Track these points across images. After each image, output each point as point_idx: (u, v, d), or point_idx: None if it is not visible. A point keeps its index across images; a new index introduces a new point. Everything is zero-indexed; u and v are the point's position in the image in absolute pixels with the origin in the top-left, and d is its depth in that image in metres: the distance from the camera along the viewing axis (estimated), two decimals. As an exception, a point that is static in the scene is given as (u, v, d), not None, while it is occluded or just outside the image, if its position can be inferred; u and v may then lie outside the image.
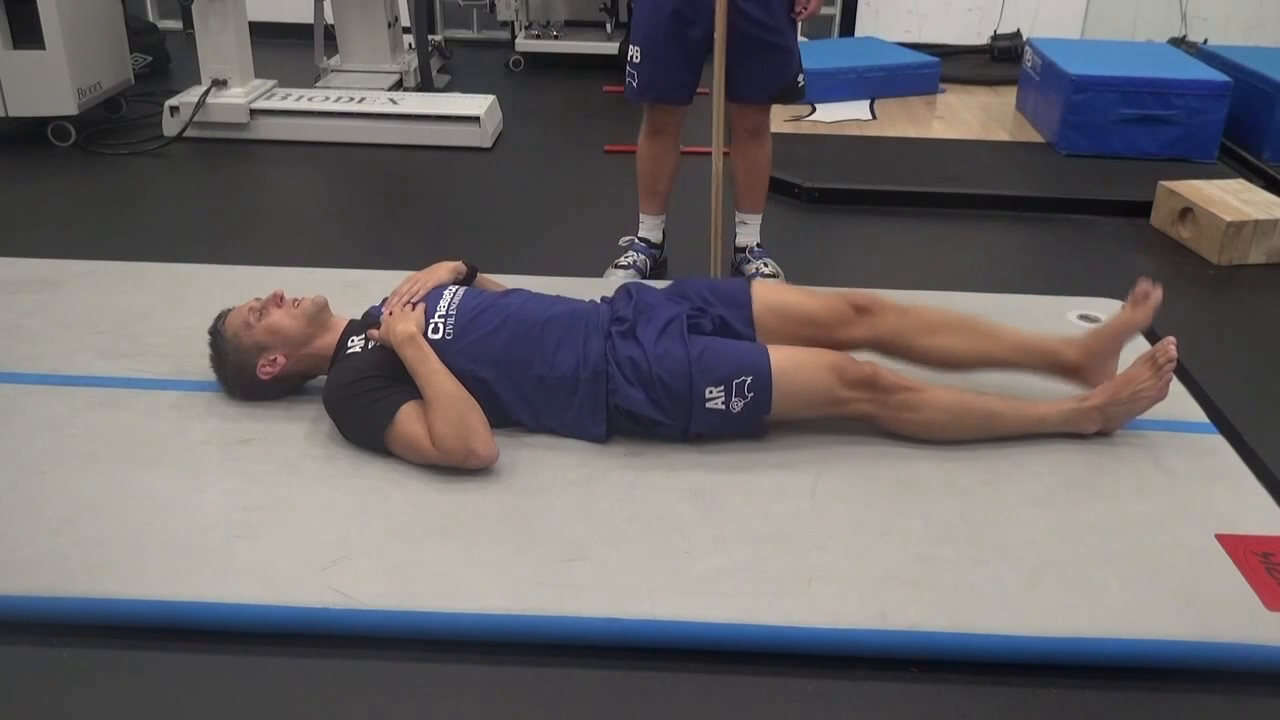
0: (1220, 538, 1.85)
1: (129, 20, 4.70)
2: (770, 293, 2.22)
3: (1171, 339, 2.12)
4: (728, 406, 2.01)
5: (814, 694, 1.60)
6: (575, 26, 5.88)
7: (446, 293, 2.16)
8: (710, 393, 2.01)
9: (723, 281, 2.33)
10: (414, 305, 2.12)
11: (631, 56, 2.83)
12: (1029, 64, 4.68)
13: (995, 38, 5.76)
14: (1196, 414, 2.27)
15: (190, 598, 1.67)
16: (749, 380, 2.00)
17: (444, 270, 2.26)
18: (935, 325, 2.21)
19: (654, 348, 2.03)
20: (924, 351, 2.20)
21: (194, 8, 4.13)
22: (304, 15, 5.10)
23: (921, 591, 1.71)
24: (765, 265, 3.02)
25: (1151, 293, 2.17)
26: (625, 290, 2.23)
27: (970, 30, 5.97)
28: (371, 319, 2.17)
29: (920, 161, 4.14)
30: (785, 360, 2.03)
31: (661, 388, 2.01)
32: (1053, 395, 2.19)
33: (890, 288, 2.86)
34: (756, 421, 2.06)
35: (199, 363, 2.20)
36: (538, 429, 2.10)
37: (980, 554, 1.81)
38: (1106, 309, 2.73)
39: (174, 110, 4.20)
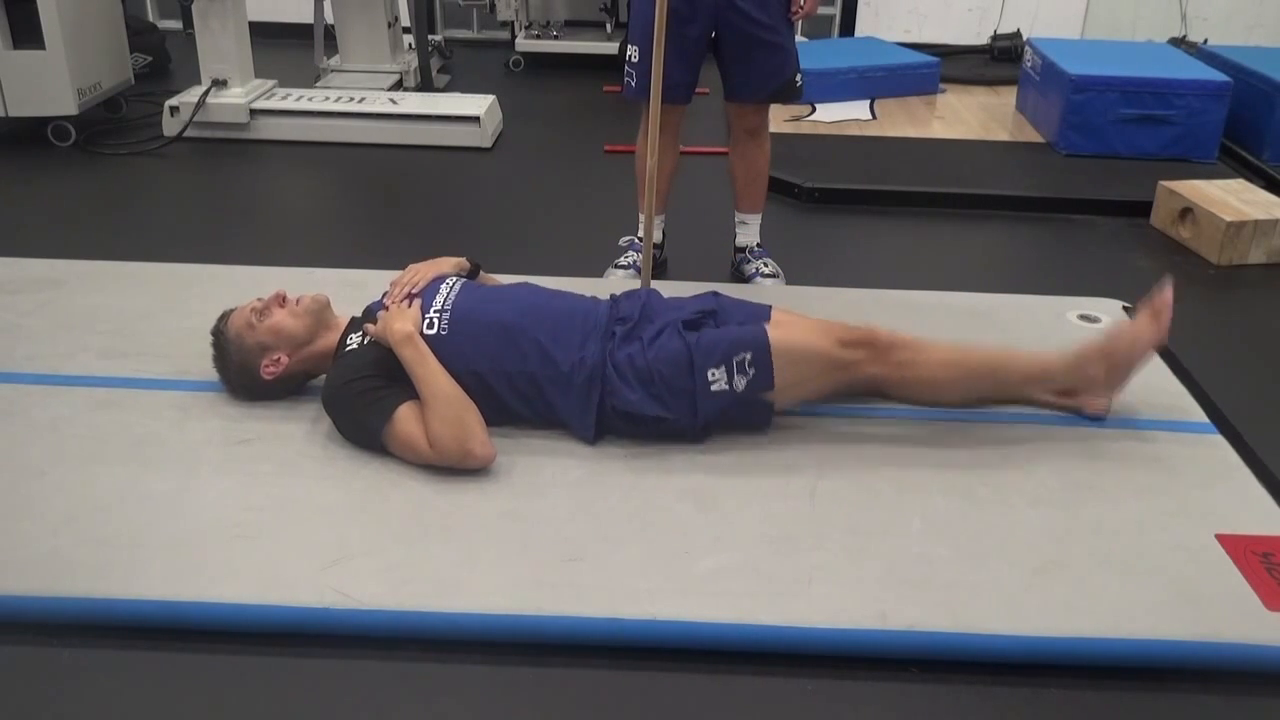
0: (1220, 538, 1.85)
1: (129, 20, 4.70)
2: (787, 316, 2.21)
3: (1168, 288, 2.10)
4: (731, 386, 2.00)
5: (814, 694, 1.60)
6: (575, 26, 5.88)
7: (443, 287, 2.16)
8: (712, 375, 2.00)
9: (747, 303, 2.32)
10: (411, 300, 2.12)
11: (630, 56, 2.83)
12: (1029, 64, 4.68)
13: (995, 38, 5.76)
14: (1196, 414, 2.27)
15: (190, 598, 1.67)
16: (748, 356, 1.99)
17: (447, 264, 2.27)
18: (934, 362, 2.21)
19: (651, 344, 2.04)
20: (925, 385, 2.19)
21: (194, 8, 4.13)
22: (304, 15, 5.10)
23: (921, 591, 1.71)
24: (765, 265, 3.02)
25: (1167, 307, 2.16)
26: (637, 293, 2.23)
27: (970, 30, 5.97)
28: (371, 315, 2.17)
29: (920, 161, 4.14)
30: (782, 331, 2.03)
31: (661, 381, 2.01)
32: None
33: (890, 288, 2.88)
34: (762, 404, 2.04)
35: (199, 363, 2.20)
36: (537, 421, 2.09)
37: (980, 554, 1.80)
38: (1106, 309, 2.73)
39: (174, 110, 4.20)
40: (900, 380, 2.06)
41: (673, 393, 2.02)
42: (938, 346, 2.08)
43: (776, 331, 2.03)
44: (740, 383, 2.00)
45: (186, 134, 4.20)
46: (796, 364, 2.02)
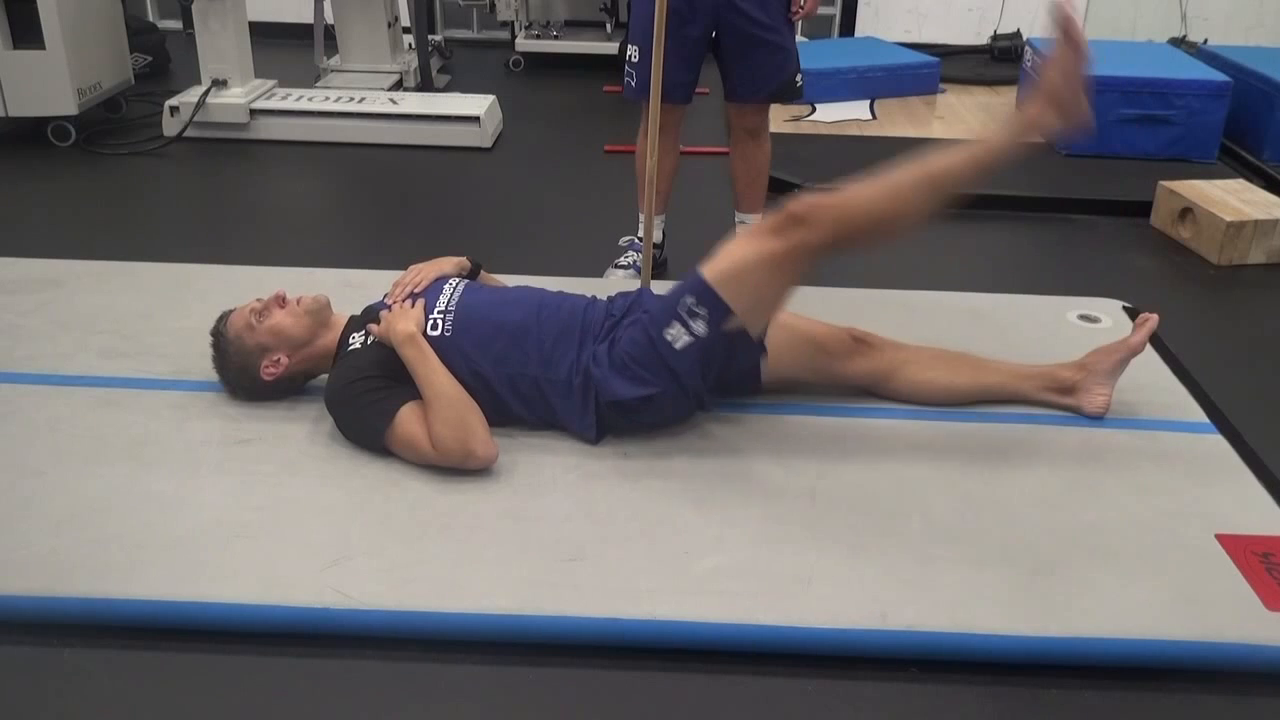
0: (1220, 538, 1.85)
1: (129, 20, 4.70)
2: (782, 313, 2.22)
3: (1066, 5, 1.88)
4: (694, 334, 1.96)
5: (814, 694, 1.60)
6: (575, 26, 5.88)
7: (446, 287, 2.16)
8: (670, 334, 1.97)
9: None
10: (414, 300, 2.12)
11: (630, 56, 2.83)
12: (1029, 64, 4.68)
13: (995, 38, 5.76)
14: (1196, 414, 2.27)
15: (190, 598, 1.67)
16: (691, 299, 1.96)
17: (448, 264, 2.28)
18: (931, 360, 2.24)
19: (620, 338, 2.04)
20: (924, 384, 2.22)
21: (194, 8, 4.14)
22: (304, 15, 5.10)
23: (921, 591, 1.71)
24: (765, 265, 3.02)
25: (1150, 319, 2.19)
26: (630, 294, 2.23)
27: (970, 30, 5.97)
28: (372, 315, 2.17)
29: (920, 161, 4.13)
30: (713, 261, 1.97)
31: (634, 363, 2.00)
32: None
33: (891, 288, 2.88)
34: (742, 340, 1.98)
35: (199, 363, 2.20)
36: (537, 424, 2.10)
37: (980, 554, 1.80)
38: (1106, 309, 2.73)
39: (174, 110, 4.20)
40: (846, 235, 1.90)
41: (649, 370, 2.00)
42: (859, 186, 1.92)
43: (708, 265, 1.97)
44: (699, 326, 1.95)
45: (186, 134, 4.20)
46: (742, 279, 1.94)
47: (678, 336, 1.96)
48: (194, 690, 1.58)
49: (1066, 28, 1.83)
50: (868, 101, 4.87)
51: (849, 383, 2.24)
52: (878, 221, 1.91)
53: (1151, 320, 2.19)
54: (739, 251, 1.95)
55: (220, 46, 4.20)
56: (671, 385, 2.01)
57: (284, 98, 4.37)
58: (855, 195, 1.89)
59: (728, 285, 1.93)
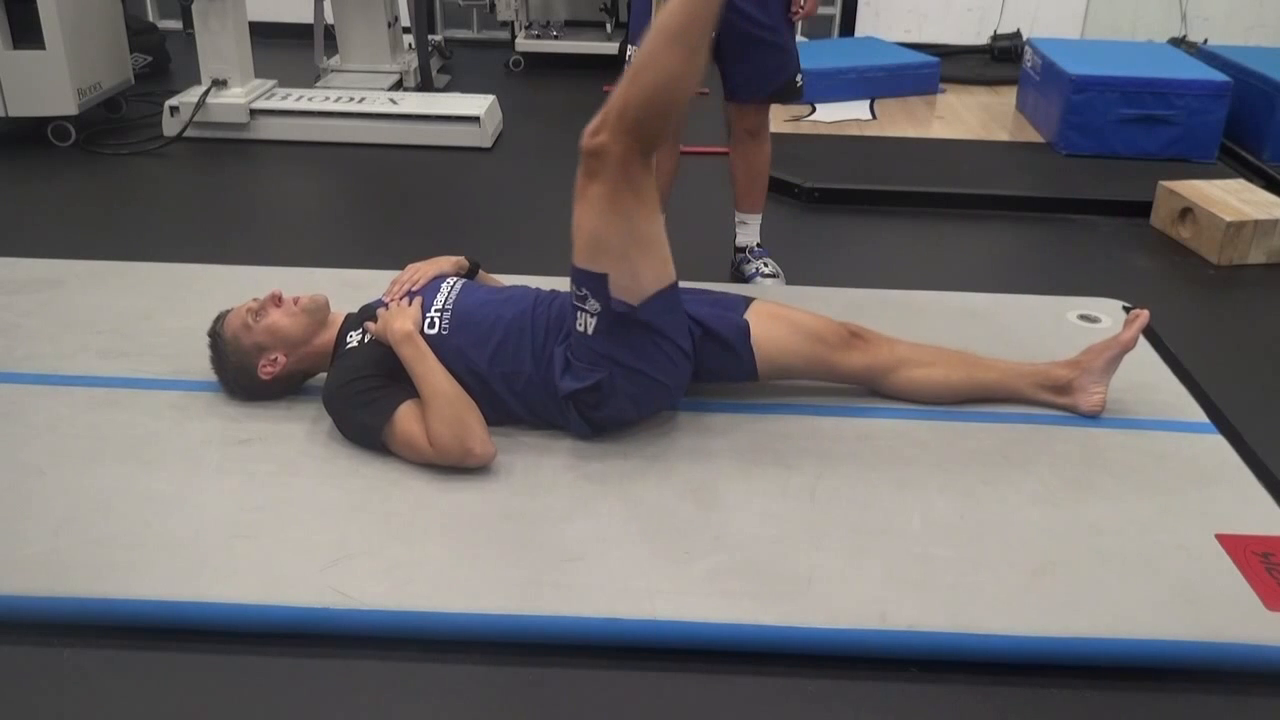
0: (1220, 538, 1.85)
1: (129, 20, 4.70)
2: (770, 304, 2.21)
3: None
4: (593, 313, 1.96)
5: (814, 694, 1.60)
6: (575, 26, 5.88)
7: (444, 286, 2.16)
8: (580, 325, 1.98)
9: (727, 294, 2.30)
10: (411, 298, 2.12)
11: (630, 56, 2.83)
12: (1029, 64, 4.68)
13: (995, 38, 5.76)
14: (1196, 414, 2.27)
15: (190, 598, 1.67)
16: (573, 287, 1.96)
17: (446, 263, 2.28)
18: (927, 357, 2.24)
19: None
20: (920, 380, 2.22)
21: (194, 8, 4.14)
22: (304, 15, 5.10)
23: (921, 591, 1.71)
24: (765, 265, 3.02)
25: (1141, 315, 2.19)
26: None
27: (970, 30, 5.97)
28: (369, 314, 2.17)
29: (920, 161, 4.14)
30: (575, 244, 1.96)
31: (575, 358, 2.00)
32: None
33: (890, 288, 2.88)
34: (621, 300, 1.94)
35: (199, 363, 2.20)
36: (536, 422, 2.10)
37: (980, 554, 1.80)
38: (1106, 309, 2.73)
39: (174, 110, 4.20)
40: (641, 126, 1.92)
41: (585, 360, 1.99)
42: (618, 84, 1.89)
43: (573, 253, 1.96)
44: (592, 304, 1.95)
45: (186, 134, 4.20)
46: (597, 241, 1.92)
47: (586, 323, 1.97)
48: (194, 690, 1.58)
49: None
50: (868, 101, 4.87)
51: (845, 378, 2.23)
52: (653, 99, 1.92)
53: (1143, 316, 2.19)
54: (578, 222, 1.93)
55: (220, 46, 4.20)
56: (610, 369, 1.99)
57: (284, 98, 4.37)
58: (619, 93, 1.91)
59: (591, 257, 1.93)
